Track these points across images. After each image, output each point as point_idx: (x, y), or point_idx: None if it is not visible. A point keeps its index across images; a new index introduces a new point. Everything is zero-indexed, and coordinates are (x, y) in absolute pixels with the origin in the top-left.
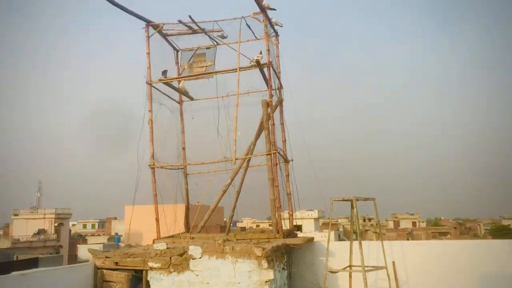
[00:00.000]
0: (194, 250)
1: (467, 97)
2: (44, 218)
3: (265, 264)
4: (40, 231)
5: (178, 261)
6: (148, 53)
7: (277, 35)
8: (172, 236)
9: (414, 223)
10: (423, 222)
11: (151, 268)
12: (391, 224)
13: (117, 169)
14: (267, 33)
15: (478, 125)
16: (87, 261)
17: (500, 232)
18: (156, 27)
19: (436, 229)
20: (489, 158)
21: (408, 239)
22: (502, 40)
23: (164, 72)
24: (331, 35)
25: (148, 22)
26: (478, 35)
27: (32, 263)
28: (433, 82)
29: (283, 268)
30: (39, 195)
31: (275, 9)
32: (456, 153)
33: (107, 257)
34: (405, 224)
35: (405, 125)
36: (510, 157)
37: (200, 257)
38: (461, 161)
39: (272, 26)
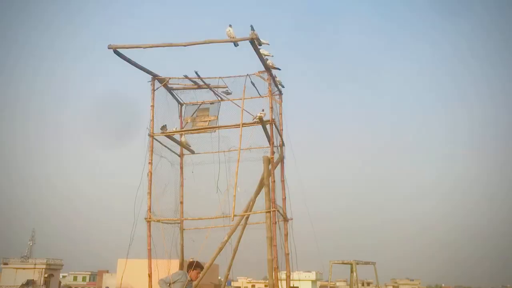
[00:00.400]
0: None
1: (471, 160)
2: (35, 268)
3: None
4: (29, 282)
5: None
6: (153, 106)
7: (280, 93)
8: None
9: None
10: None
11: None
12: None
13: (112, 221)
14: (271, 91)
15: (479, 191)
16: None
17: None
18: (162, 80)
19: None
20: (493, 224)
21: None
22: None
23: (163, 127)
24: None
25: (155, 76)
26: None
27: None
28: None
29: None
30: (31, 244)
31: (279, 69)
32: (457, 220)
33: None
34: None
35: (409, 189)
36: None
37: None
38: (463, 227)
39: (276, 85)
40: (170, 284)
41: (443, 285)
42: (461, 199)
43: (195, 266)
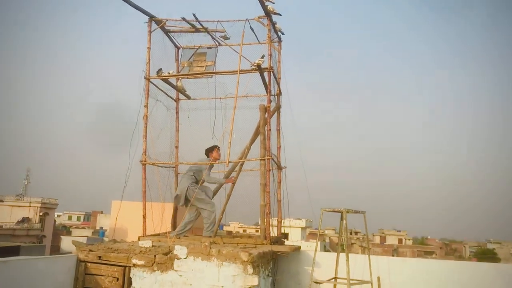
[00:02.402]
0: (180, 250)
1: (461, 127)
2: (30, 206)
3: (250, 269)
4: (24, 219)
5: (162, 260)
6: (149, 48)
7: (280, 40)
8: (158, 235)
9: (400, 240)
10: (409, 239)
11: (135, 265)
12: (377, 239)
13: (107, 163)
14: (270, 37)
15: (469, 146)
16: (69, 253)
17: (485, 255)
18: (159, 22)
19: (422, 248)
20: (479, 183)
21: (393, 255)
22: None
23: (159, 71)
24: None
25: (152, 17)
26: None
27: (14, 251)
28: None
29: (268, 275)
30: (26, 183)
31: (280, 14)
32: (447, 175)
33: (90, 250)
34: (392, 241)
35: (401, 143)
36: (499, 183)
37: (185, 258)
38: (450, 182)
39: (275, 31)
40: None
41: (428, 237)
42: (452, 155)
43: (211, 148)
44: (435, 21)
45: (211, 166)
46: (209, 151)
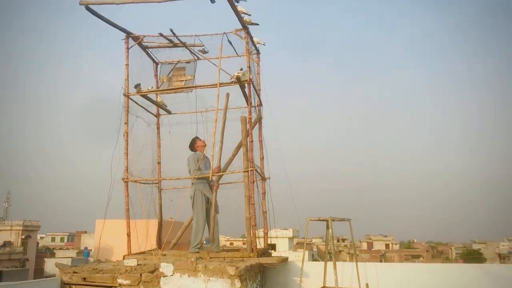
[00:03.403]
0: (166, 267)
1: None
2: (11, 229)
3: (238, 283)
4: (6, 243)
5: (148, 278)
6: (127, 65)
7: (258, 52)
8: (143, 253)
9: (387, 245)
10: (396, 244)
11: (120, 285)
12: (364, 245)
13: (90, 182)
14: (248, 50)
15: (454, 148)
16: (54, 275)
17: (470, 256)
18: (136, 38)
19: (409, 252)
20: (464, 184)
21: (381, 261)
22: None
23: (137, 86)
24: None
25: (129, 34)
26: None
27: None
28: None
29: None
30: (6, 206)
31: (257, 24)
32: (430, 179)
33: (75, 272)
34: (379, 246)
35: (385, 144)
36: (482, 184)
37: (172, 275)
38: (436, 185)
39: (253, 44)
40: (198, 160)
41: (415, 240)
42: (434, 157)
43: (194, 140)
44: (434, 14)
45: (203, 158)
46: (192, 146)
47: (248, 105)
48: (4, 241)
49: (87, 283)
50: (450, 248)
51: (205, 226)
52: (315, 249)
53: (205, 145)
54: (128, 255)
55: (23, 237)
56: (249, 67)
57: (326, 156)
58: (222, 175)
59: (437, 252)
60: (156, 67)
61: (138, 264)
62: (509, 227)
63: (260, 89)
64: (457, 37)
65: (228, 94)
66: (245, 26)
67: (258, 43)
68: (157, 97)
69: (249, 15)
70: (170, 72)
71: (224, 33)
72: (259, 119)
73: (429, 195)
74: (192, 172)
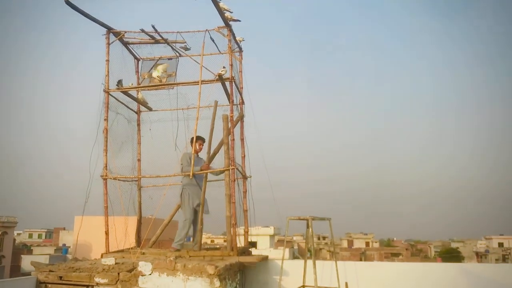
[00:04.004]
0: (144, 266)
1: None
2: None
3: (217, 282)
4: None
5: (126, 277)
6: (108, 60)
7: (241, 50)
8: (122, 251)
9: (367, 243)
10: (376, 242)
11: (98, 284)
12: (345, 243)
13: (68, 178)
14: (231, 47)
15: (434, 149)
16: (30, 272)
17: (449, 254)
18: (117, 34)
19: (389, 250)
20: (442, 183)
21: (361, 259)
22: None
23: (119, 82)
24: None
25: (110, 29)
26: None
27: None
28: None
29: (235, 287)
30: None
31: (239, 20)
32: (410, 177)
33: (51, 271)
34: (359, 244)
35: (363, 140)
36: (462, 183)
37: (150, 274)
38: (415, 184)
39: (236, 41)
40: (190, 158)
41: (395, 238)
42: (418, 159)
43: (196, 139)
44: (440, 21)
45: (196, 158)
46: (191, 143)
47: (230, 103)
48: None
49: (64, 282)
50: (429, 247)
51: (191, 225)
52: (296, 247)
53: (200, 147)
54: (106, 253)
55: None
56: (231, 65)
57: (308, 154)
58: (206, 173)
59: (416, 250)
60: (137, 63)
61: (116, 263)
62: (486, 226)
63: (242, 87)
64: (460, 41)
65: (216, 102)
66: (227, 23)
67: (240, 41)
68: (138, 94)
69: (231, 12)
70: (151, 68)
71: (206, 30)
72: (241, 117)
73: (408, 193)
74: (183, 170)
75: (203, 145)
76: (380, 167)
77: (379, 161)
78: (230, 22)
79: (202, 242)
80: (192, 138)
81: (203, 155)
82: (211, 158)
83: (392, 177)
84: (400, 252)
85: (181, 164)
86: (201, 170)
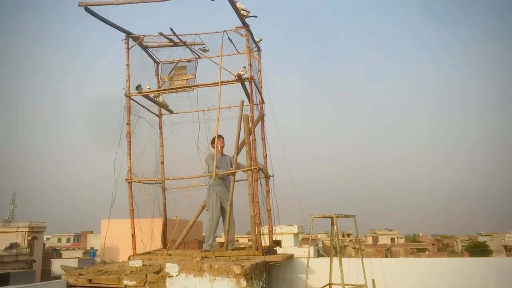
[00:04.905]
0: (171, 267)
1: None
2: (17, 231)
3: (243, 282)
4: (13, 245)
5: (154, 279)
6: (128, 65)
7: (259, 49)
8: (149, 253)
9: (392, 239)
10: (401, 238)
11: (126, 286)
12: (370, 240)
13: (95, 182)
14: (249, 47)
15: (457, 142)
16: (60, 276)
17: (476, 248)
18: (136, 38)
19: (415, 246)
20: (467, 176)
21: (387, 255)
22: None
23: (138, 87)
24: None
25: (129, 34)
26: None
27: (3, 278)
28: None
29: (262, 286)
30: (12, 208)
31: (256, 16)
32: (434, 170)
33: (80, 274)
34: (384, 240)
35: (387, 140)
36: (487, 175)
37: (177, 275)
38: (439, 177)
39: (254, 41)
40: (213, 159)
41: (420, 234)
42: (443, 152)
43: (215, 138)
44: (434, 28)
45: (219, 158)
46: (212, 143)
47: (250, 103)
48: (11, 243)
49: (93, 284)
50: (456, 241)
51: (217, 226)
52: (320, 245)
53: (222, 145)
54: (133, 255)
55: (29, 238)
56: (250, 64)
57: (330, 152)
58: (234, 173)
59: (442, 245)
60: (157, 66)
61: (143, 265)
62: None
63: (261, 87)
64: (463, 38)
65: (242, 102)
66: (245, 23)
67: (259, 42)
68: (158, 97)
69: (248, 11)
70: (171, 71)
71: (224, 31)
72: (262, 117)
73: (433, 187)
74: (208, 171)
75: (224, 142)
76: (403, 161)
77: (402, 155)
78: (247, 22)
79: (226, 242)
80: (213, 138)
81: (229, 151)
82: (236, 158)
83: (416, 171)
84: (426, 248)
85: (207, 165)
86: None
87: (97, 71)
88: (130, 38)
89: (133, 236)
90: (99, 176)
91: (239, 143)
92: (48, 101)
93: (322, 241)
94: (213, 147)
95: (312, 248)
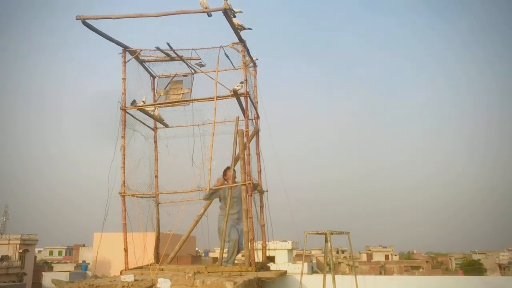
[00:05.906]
0: (163, 283)
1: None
2: (9, 244)
3: None
4: (3, 257)
5: None
6: (124, 79)
7: (255, 65)
8: (141, 267)
9: (387, 256)
10: (396, 255)
11: None
12: (364, 257)
13: (87, 195)
14: (245, 63)
15: (453, 159)
16: None
17: (471, 266)
18: (133, 52)
19: (409, 263)
20: (462, 193)
21: (381, 272)
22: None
23: (133, 102)
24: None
25: (125, 48)
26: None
27: None
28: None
29: None
30: (4, 220)
31: (250, 29)
32: (428, 188)
33: None
34: (378, 257)
35: (382, 154)
36: (480, 193)
37: None
38: (433, 195)
39: (250, 57)
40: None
41: (414, 251)
42: (437, 169)
43: (226, 170)
44: (433, 23)
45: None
46: (224, 175)
47: (245, 118)
48: (2, 255)
49: None
50: (450, 259)
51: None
52: (314, 261)
53: (234, 176)
54: (125, 270)
55: (20, 251)
56: (246, 80)
57: (323, 166)
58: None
59: (437, 263)
60: (153, 80)
61: (135, 280)
62: (509, 237)
63: (257, 102)
64: (455, 45)
65: (238, 118)
66: (241, 39)
67: (255, 60)
68: (154, 111)
69: (245, 28)
70: (167, 85)
71: (221, 46)
72: (256, 132)
73: (427, 204)
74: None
75: (232, 172)
76: (396, 176)
77: (395, 170)
78: (244, 37)
79: (220, 258)
80: (227, 168)
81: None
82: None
83: (409, 186)
84: (420, 265)
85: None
86: (217, 185)
87: (91, 82)
88: (127, 52)
89: (126, 250)
90: (93, 189)
91: (234, 159)
92: (46, 105)
93: (316, 258)
94: (225, 179)
95: (306, 264)
